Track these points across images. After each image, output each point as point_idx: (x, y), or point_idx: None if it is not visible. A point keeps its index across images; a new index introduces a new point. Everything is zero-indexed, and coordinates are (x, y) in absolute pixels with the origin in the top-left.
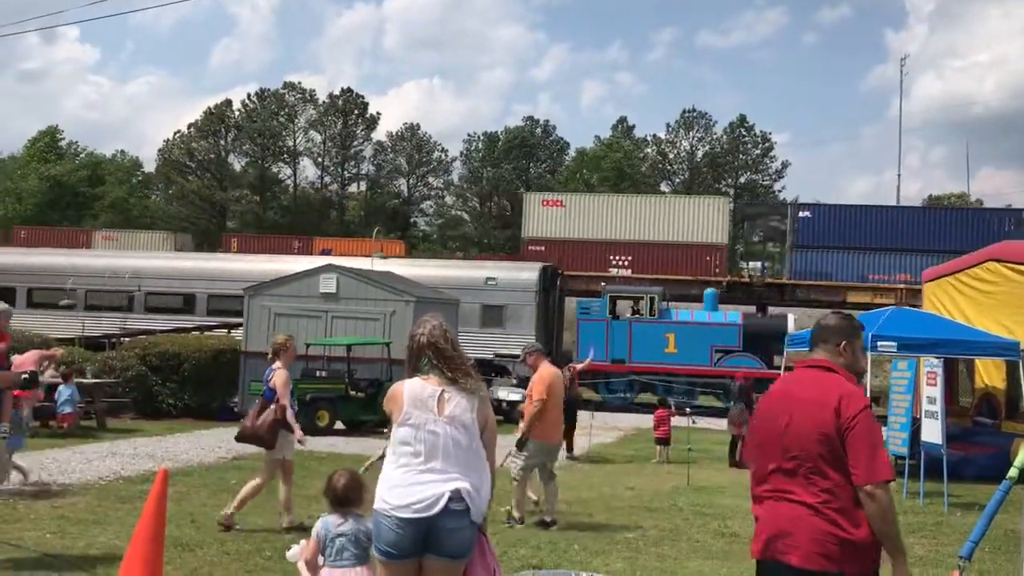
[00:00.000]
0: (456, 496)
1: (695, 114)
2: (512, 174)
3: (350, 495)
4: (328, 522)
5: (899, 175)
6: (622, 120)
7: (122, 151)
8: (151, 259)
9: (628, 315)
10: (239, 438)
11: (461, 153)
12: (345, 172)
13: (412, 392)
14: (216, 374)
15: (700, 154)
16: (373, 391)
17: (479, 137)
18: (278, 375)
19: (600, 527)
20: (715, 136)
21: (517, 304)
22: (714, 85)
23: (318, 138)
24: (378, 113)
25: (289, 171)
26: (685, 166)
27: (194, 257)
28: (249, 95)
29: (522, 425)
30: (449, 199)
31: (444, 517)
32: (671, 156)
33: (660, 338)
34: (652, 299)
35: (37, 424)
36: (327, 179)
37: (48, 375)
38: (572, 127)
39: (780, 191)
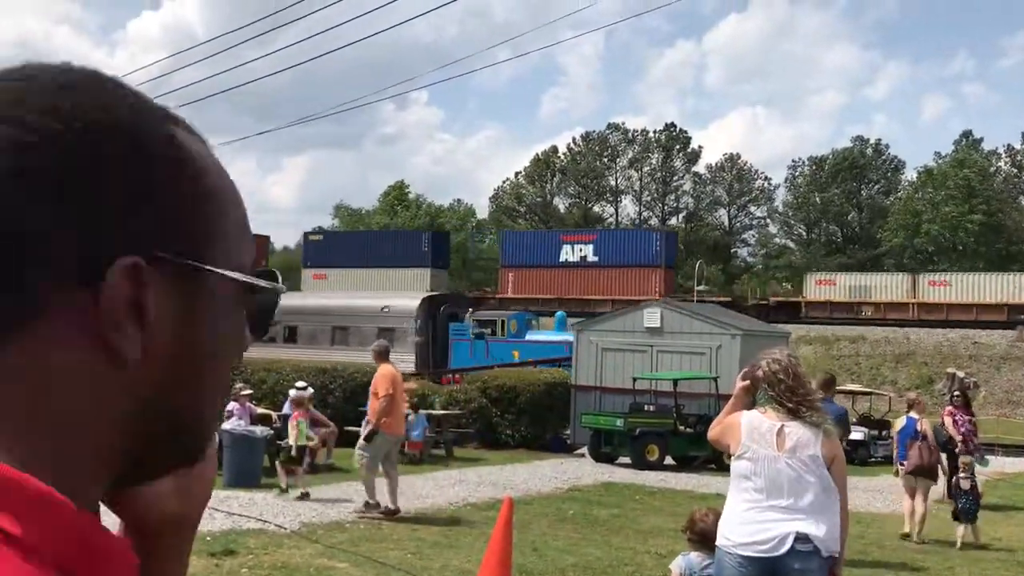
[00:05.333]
0: (803, 537)
1: None
2: (841, 198)
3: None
4: (692, 561)
5: None
6: (967, 134)
7: (459, 199)
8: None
9: (487, 335)
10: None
11: (786, 179)
12: (665, 207)
13: (750, 425)
14: (549, 407)
15: None
16: (702, 427)
17: (804, 162)
18: None
19: None
20: None
21: (403, 327)
22: None
23: (636, 176)
24: (700, 147)
25: (611, 209)
26: None
27: None
28: (574, 139)
29: (371, 419)
30: (773, 228)
31: (790, 558)
32: None
33: (509, 354)
34: (504, 321)
35: None
36: (647, 214)
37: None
38: (909, 145)
39: None
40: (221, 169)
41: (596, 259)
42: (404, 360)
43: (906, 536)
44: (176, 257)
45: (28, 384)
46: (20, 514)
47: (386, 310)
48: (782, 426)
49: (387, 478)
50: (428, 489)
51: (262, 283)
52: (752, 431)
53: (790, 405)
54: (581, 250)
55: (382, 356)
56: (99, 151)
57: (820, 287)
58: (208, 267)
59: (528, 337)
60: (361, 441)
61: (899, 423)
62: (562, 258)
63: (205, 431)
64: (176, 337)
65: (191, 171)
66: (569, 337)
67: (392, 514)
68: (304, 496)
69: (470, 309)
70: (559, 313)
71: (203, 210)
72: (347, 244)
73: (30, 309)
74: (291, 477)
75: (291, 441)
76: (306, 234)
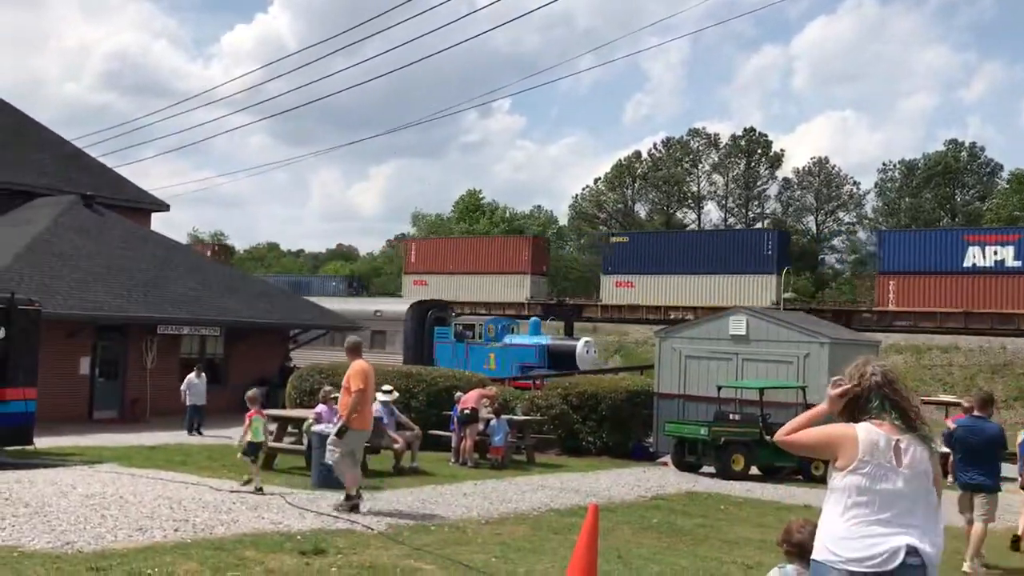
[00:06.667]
0: (913, 551)
1: None
2: (933, 203)
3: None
4: (789, 574)
5: None
6: None
7: (539, 206)
8: None
9: (467, 339)
10: None
11: (875, 184)
12: (749, 213)
13: (868, 439)
14: (631, 414)
15: None
16: None
17: (895, 166)
18: None
19: None
20: None
21: (393, 330)
22: None
23: (721, 181)
24: (782, 151)
25: (693, 215)
26: None
27: None
28: (655, 144)
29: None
30: (862, 234)
31: (902, 572)
32: None
33: (485, 356)
34: (482, 326)
35: (477, 456)
36: (731, 220)
37: (485, 412)
38: (1007, 148)
39: None
40: None
41: (1019, 263)
42: (395, 359)
43: None
44: None
45: None
46: None
47: (378, 314)
48: (898, 440)
49: (336, 466)
50: (511, 494)
51: None
52: (871, 445)
53: (912, 416)
54: (996, 252)
55: (355, 352)
56: None
57: None
58: None
59: (505, 341)
60: (332, 437)
61: (1019, 436)
62: (967, 263)
63: None
64: None
65: None
66: (542, 341)
67: (353, 500)
68: (249, 483)
69: (453, 313)
70: (533, 319)
71: None
72: (661, 247)
73: None
74: (252, 469)
75: (248, 438)
76: (608, 235)
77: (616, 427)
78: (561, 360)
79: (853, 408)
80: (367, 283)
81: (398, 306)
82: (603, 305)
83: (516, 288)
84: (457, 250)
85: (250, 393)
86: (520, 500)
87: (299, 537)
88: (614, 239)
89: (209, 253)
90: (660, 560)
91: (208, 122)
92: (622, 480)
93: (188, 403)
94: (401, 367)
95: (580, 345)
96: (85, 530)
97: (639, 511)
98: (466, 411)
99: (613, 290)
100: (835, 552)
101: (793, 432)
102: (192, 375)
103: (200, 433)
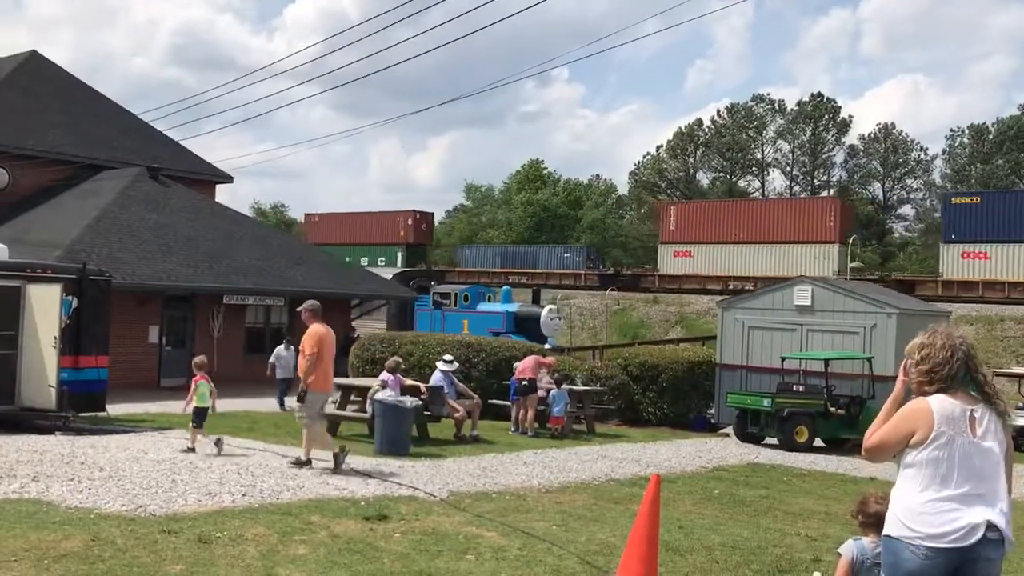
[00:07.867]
0: (993, 526)
1: None
2: (1005, 169)
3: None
4: (865, 548)
5: None
6: None
7: (598, 175)
8: None
9: (443, 307)
10: None
11: (944, 151)
12: (815, 180)
13: (942, 410)
14: (692, 385)
15: None
16: (855, 408)
17: (964, 131)
18: None
19: None
20: None
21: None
22: None
23: (787, 147)
24: (850, 116)
25: (757, 183)
26: None
27: None
28: (718, 111)
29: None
30: (931, 202)
31: (982, 547)
32: None
33: (459, 323)
34: (458, 294)
35: (537, 425)
36: (796, 188)
37: (544, 382)
38: None
39: None
40: None
41: None
42: (379, 326)
43: None
44: None
45: None
46: None
47: None
48: (972, 410)
49: (306, 430)
50: (571, 463)
51: None
52: (946, 416)
53: (988, 390)
54: None
55: (315, 315)
56: None
57: None
58: None
59: (478, 308)
60: (296, 403)
61: None
62: None
63: None
64: None
65: None
66: (509, 308)
67: (303, 465)
68: (190, 450)
69: (432, 283)
70: (505, 288)
71: None
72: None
73: None
74: (197, 438)
75: (195, 403)
76: (948, 196)
77: (677, 398)
78: (527, 326)
79: (941, 380)
80: (604, 254)
81: (383, 275)
82: (944, 281)
83: (818, 261)
84: (733, 215)
85: (196, 359)
86: (580, 469)
87: (363, 503)
88: (955, 200)
89: (410, 222)
90: (722, 530)
91: (271, 95)
92: (683, 451)
93: (277, 376)
94: (459, 336)
95: (544, 312)
96: (156, 494)
97: (700, 482)
98: (524, 381)
99: (958, 263)
100: (913, 528)
101: (874, 435)
102: (281, 347)
103: (284, 407)
